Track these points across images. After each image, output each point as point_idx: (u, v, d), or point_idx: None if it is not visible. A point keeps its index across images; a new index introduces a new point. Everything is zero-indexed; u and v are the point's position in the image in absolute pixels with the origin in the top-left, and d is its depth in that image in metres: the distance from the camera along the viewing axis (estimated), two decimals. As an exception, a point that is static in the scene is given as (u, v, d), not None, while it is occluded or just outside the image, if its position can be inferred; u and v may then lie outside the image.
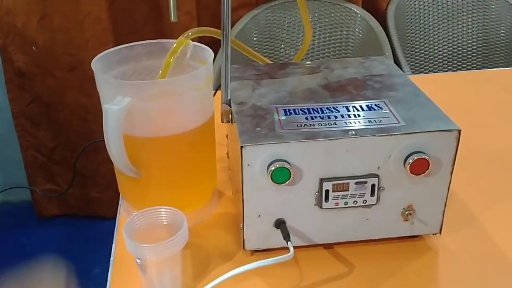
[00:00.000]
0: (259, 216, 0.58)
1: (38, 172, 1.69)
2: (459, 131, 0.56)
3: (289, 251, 0.56)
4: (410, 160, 0.56)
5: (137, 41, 0.67)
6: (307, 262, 0.61)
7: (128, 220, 0.52)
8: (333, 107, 0.61)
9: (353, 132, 0.55)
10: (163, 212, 0.54)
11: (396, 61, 1.35)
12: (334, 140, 0.55)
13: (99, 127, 0.55)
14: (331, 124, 0.57)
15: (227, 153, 0.78)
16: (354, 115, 0.59)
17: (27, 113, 1.60)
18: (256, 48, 1.60)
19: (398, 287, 0.58)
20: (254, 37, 1.59)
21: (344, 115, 0.59)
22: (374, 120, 0.58)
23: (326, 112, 0.60)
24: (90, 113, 1.56)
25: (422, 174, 0.56)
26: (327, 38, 1.59)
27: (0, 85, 1.58)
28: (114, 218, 0.69)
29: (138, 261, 0.52)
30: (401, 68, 1.37)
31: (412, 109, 0.60)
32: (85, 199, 1.72)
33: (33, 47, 1.50)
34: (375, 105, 0.61)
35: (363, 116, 0.59)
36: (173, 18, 0.61)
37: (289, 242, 0.57)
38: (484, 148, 0.83)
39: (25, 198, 1.78)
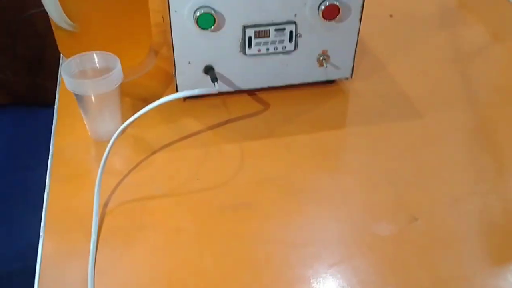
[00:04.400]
0: (189, 62, 0.64)
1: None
2: (366, -22, 0.62)
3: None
4: (322, 6, 0.62)
5: None
6: (233, 105, 0.68)
7: (65, 62, 0.57)
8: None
9: (271, -20, 0.60)
10: (98, 56, 0.59)
11: None
12: (254, -14, 0.60)
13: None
14: (252, -27, 0.62)
15: (162, 17, 0.81)
16: (275, -34, 0.64)
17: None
18: None
19: (312, 120, 0.66)
20: None
21: (265, -33, 0.63)
22: (292, -30, 0.63)
23: (249, -36, 0.64)
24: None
25: (334, 20, 0.63)
26: None
27: None
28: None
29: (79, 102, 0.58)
30: None
31: (327, -39, 0.65)
32: (32, 86, 1.73)
33: None
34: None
35: (282, -33, 0.63)
36: None
37: (215, 83, 0.64)
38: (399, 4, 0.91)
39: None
